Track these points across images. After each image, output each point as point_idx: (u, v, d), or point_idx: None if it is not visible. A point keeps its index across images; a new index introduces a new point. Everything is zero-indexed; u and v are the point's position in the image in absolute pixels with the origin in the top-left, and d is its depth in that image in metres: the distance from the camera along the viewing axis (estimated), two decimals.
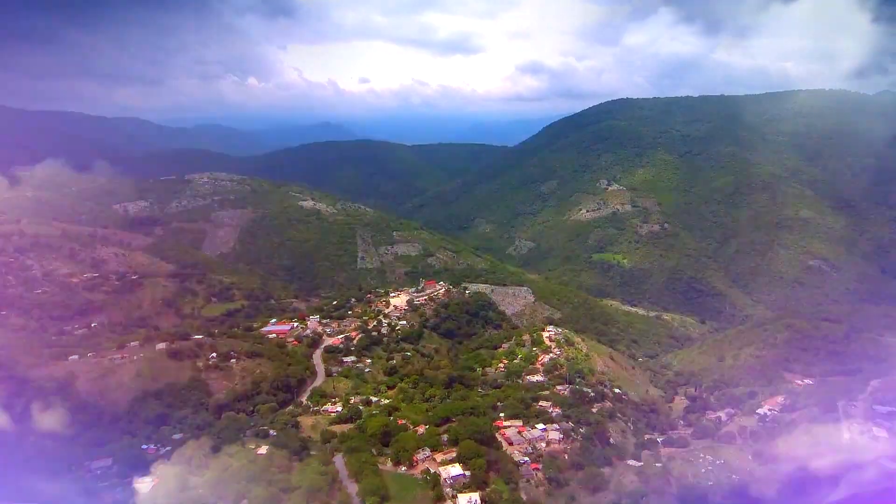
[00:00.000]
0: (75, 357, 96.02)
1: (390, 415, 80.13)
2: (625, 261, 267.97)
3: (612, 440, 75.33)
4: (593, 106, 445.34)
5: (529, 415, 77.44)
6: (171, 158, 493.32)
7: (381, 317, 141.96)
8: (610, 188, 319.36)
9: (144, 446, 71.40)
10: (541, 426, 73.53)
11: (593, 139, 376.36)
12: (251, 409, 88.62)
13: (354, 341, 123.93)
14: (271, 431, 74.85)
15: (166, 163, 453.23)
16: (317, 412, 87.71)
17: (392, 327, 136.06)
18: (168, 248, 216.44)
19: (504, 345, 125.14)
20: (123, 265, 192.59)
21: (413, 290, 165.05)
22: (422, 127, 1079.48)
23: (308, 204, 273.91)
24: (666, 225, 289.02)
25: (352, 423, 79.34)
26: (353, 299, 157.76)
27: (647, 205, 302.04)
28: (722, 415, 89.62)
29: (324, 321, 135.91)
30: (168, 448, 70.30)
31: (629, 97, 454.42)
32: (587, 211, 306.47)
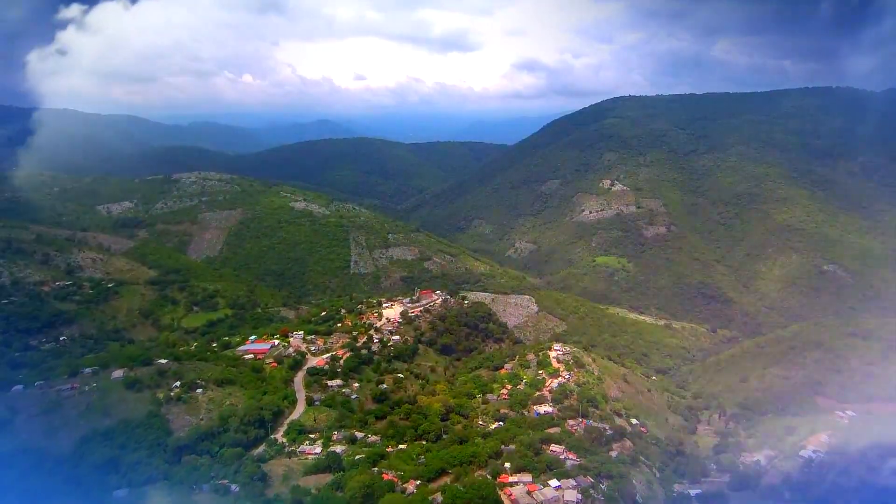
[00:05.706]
0: (19, 388, 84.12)
1: (375, 465, 68.12)
2: (629, 265, 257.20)
3: (638, 497, 63.85)
4: (595, 103, 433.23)
5: (540, 465, 65.48)
6: (165, 156, 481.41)
7: (371, 331, 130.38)
8: (614, 188, 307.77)
9: None
10: (554, 483, 61.52)
11: (595, 137, 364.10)
12: (217, 448, 76.83)
13: (341, 361, 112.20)
14: (233, 486, 63.09)
15: (160, 161, 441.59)
16: (292, 454, 75.94)
17: (384, 343, 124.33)
18: (151, 252, 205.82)
19: (507, 365, 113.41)
20: (101, 271, 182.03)
21: (408, 299, 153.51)
22: (419, 124, 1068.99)
23: (300, 205, 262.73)
24: (672, 227, 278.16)
25: (330, 472, 67.46)
26: (344, 310, 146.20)
27: (652, 206, 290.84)
28: (760, 458, 78.06)
29: (309, 337, 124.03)
30: None
31: (631, 94, 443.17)
32: (590, 212, 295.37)
